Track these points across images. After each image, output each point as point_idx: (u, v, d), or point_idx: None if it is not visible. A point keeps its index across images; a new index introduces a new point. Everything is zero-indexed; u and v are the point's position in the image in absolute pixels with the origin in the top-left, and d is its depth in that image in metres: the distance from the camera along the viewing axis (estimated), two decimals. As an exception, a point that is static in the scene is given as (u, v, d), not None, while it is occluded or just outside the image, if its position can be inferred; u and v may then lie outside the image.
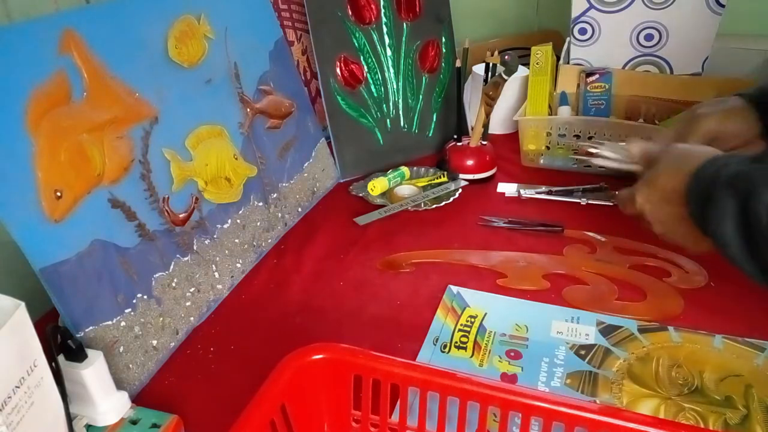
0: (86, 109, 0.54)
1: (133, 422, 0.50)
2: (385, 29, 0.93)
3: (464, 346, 0.60)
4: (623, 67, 0.96)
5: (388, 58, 0.94)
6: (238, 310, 0.67)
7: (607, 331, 0.61)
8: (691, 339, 0.59)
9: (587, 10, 0.94)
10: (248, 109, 0.75)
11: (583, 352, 0.58)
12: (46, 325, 0.48)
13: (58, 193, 0.51)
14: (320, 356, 0.46)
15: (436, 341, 0.60)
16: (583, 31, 0.95)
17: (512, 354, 0.59)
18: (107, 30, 0.57)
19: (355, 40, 0.91)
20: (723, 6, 0.88)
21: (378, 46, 0.93)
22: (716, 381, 0.54)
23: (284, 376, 0.45)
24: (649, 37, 0.93)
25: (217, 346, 0.62)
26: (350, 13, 0.90)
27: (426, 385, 0.44)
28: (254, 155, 0.75)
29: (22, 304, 0.41)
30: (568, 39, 0.97)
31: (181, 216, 0.64)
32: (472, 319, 0.63)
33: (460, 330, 0.62)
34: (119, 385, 0.52)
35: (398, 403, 0.46)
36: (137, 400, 0.55)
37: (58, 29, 0.53)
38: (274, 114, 0.79)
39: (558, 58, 0.99)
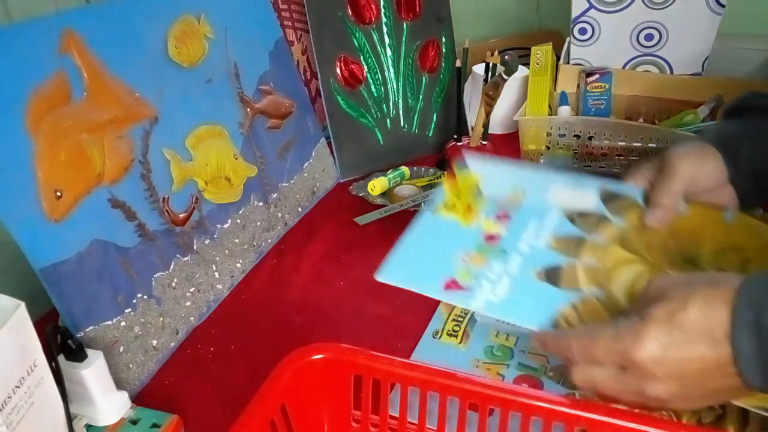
0: (86, 109, 0.54)
1: (133, 422, 0.50)
2: (385, 29, 0.93)
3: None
4: (623, 67, 0.96)
5: (388, 58, 0.94)
6: (238, 310, 0.67)
7: (609, 198, 0.57)
8: (700, 212, 0.56)
9: (587, 9, 0.94)
10: (248, 109, 0.75)
11: (577, 218, 0.55)
12: (46, 324, 0.48)
13: (58, 193, 0.51)
14: (320, 356, 0.46)
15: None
16: (583, 31, 0.95)
17: (501, 215, 0.56)
18: (107, 30, 0.57)
19: (355, 40, 0.91)
20: (723, 6, 0.88)
21: (378, 46, 0.93)
22: (715, 253, 0.53)
23: (284, 376, 0.45)
24: (649, 37, 0.93)
25: (217, 346, 0.62)
26: (350, 13, 0.90)
27: (426, 385, 0.44)
28: (254, 155, 0.75)
29: (22, 304, 0.41)
30: (568, 39, 0.97)
31: (181, 216, 0.64)
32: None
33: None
34: (119, 385, 0.52)
35: (398, 402, 0.46)
36: (137, 400, 0.55)
37: (58, 29, 0.53)
38: (274, 114, 0.79)
39: (558, 58, 0.99)
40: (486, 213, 0.56)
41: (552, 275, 0.50)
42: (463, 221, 0.56)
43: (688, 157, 0.56)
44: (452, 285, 0.50)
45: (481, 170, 0.61)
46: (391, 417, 0.47)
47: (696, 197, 0.57)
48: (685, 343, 0.38)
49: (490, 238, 0.54)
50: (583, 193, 0.57)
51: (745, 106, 0.63)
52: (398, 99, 0.96)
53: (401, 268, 0.51)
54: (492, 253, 0.52)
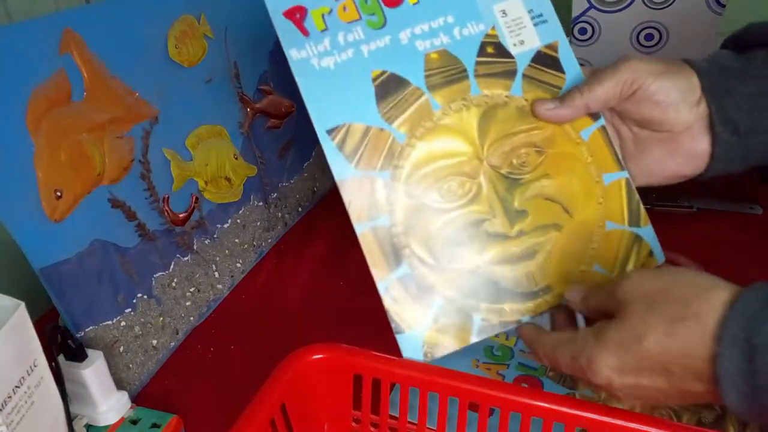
0: (86, 108, 0.54)
1: (133, 422, 0.50)
2: (385, 29, 0.93)
3: None
4: (623, 67, 0.96)
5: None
6: (238, 310, 0.67)
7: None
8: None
9: (587, 9, 0.93)
10: (248, 109, 0.75)
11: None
12: (46, 324, 0.48)
13: (58, 193, 0.51)
14: (320, 356, 0.46)
15: None
16: (583, 31, 0.95)
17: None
18: (107, 30, 0.57)
19: (355, 40, 0.91)
20: (723, 6, 0.88)
21: (378, 46, 0.93)
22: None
23: (284, 376, 0.45)
24: (649, 37, 0.93)
25: (217, 346, 0.62)
26: (350, 12, 0.90)
27: (426, 385, 0.44)
28: (254, 155, 0.75)
29: (22, 303, 0.41)
30: (568, 39, 0.97)
31: (181, 216, 0.64)
32: None
33: None
34: (119, 384, 0.52)
35: (399, 402, 0.46)
36: (137, 400, 0.55)
37: (57, 29, 0.53)
38: (274, 114, 0.79)
39: (558, 58, 0.99)
40: None
41: None
42: None
43: (643, 61, 0.43)
44: None
45: None
46: (391, 417, 0.47)
47: (644, 130, 0.46)
48: (641, 373, 0.36)
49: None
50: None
51: (749, 39, 0.48)
52: (398, 99, 0.96)
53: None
54: None
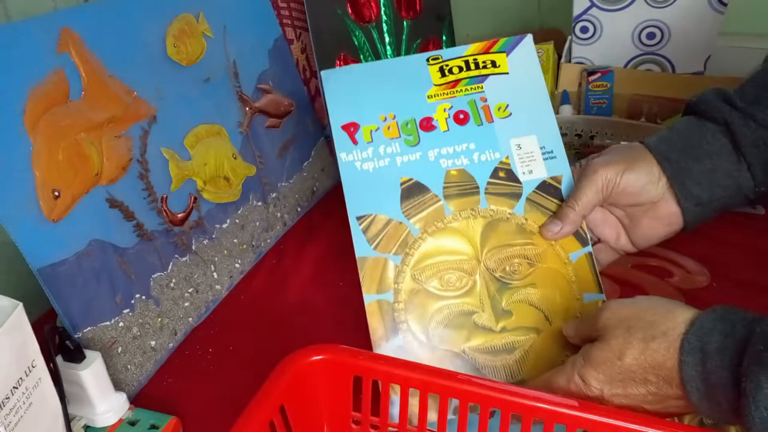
0: (84, 108, 0.54)
1: (132, 423, 0.50)
2: (385, 27, 0.93)
3: None
4: (625, 66, 0.95)
5: (388, 56, 0.94)
6: (237, 311, 0.67)
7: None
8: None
9: (589, 8, 0.93)
10: (247, 108, 0.74)
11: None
12: (44, 325, 0.48)
13: (56, 193, 0.51)
14: (320, 357, 0.46)
15: None
16: (584, 30, 0.95)
17: None
18: (105, 28, 0.57)
19: (354, 39, 0.91)
20: (725, 4, 0.88)
21: (378, 45, 0.93)
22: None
23: (284, 377, 0.44)
24: (650, 36, 0.93)
25: (216, 347, 0.62)
26: (350, 11, 0.90)
27: (426, 386, 0.44)
28: (253, 154, 0.75)
29: (20, 304, 0.41)
30: (569, 37, 0.97)
31: (179, 216, 0.64)
32: None
33: None
34: (117, 386, 0.52)
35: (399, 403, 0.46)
36: (136, 401, 0.55)
37: (56, 28, 0.53)
38: (273, 113, 0.79)
39: (559, 57, 0.99)
40: None
41: None
42: None
43: (610, 166, 0.53)
44: None
45: None
46: (391, 418, 0.46)
47: (629, 208, 0.54)
48: (626, 385, 0.42)
49: None
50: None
51: (705, 105, 0.54)
52: (398, 98, 0.96)
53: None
54: None
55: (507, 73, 0.58)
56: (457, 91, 0.58)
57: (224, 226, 0.70)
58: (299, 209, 0.83)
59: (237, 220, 0.71)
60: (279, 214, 0.79)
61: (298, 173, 0.83)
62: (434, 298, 0.52)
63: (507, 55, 0.58)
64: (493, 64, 0.58)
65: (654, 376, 0.41)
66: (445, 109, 0.57)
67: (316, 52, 0.88)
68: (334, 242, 0.78)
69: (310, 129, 0.86)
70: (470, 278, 0.53)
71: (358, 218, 0.54)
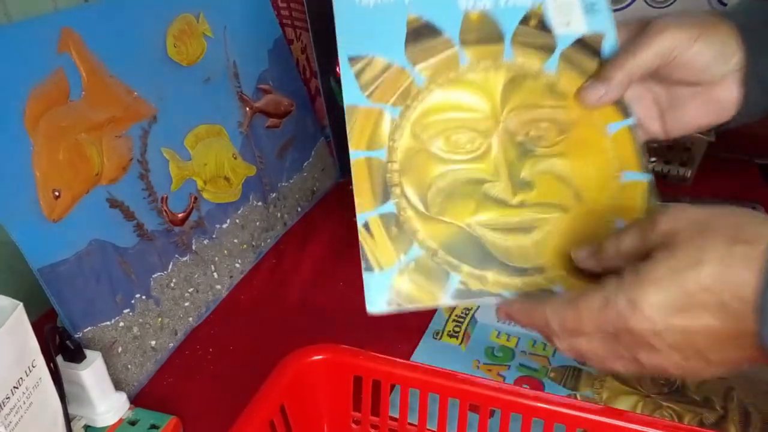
0: (85, 108, 0.54)
1: (132, 423, 0.50)
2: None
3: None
4: (624, 67, 0.95)
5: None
6: (238, 311, 0.67)
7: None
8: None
9: (588, 9, 0.93)
10: (247, 108, 0.74)
11: None
12: (44, 325, 0.48)
13: (57, 193, 0.51)
14: (320, 357, 0.46)
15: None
16: (583, 30, 0.95)
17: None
18: (106, 29, 0.57)
19: (354, 39, 0.90)
20: (725, 5, 0.88)
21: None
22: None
23: (284, 377, 0.44)
24: (649, 36, 0.93)
25: (216, 347, 0.62)
26: (350, 11, 0.90)
27: (427, 386, 0.44)
28: (253, 155, 0.75)
29: (21, 304, 0.41)
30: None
31: (179, 216, 0.64)
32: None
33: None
34: (118, 385, 0.52)
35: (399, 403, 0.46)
36: (136, 401, 0.55)
37: (56, 28, 0.53)
38: (273, 113, 0.79)
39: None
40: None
41: None
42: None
43: (675, 28, 0.42)
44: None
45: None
46: (391, 418, 0.46)
47: (678, 86, 0.45)
48: (691, 313, 0.32)
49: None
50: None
51: None
52: (398, 98, 0.95)
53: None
54: None
55: None
56: None
57: (224, 226, 0.70)
58: (299, 209, 0.83)
59: (237, 220, 0.71)
60: (279, 214, 0.79)
61: (298, 173, 0.83)
62: (437, 160, 0.44)
63: None
64: None
65: (736, 300, 0.31)
66: None
67: (316, 52, 0.88)
68: (334, 242, 0.78)
69: (310, 129, 0.86)
70: (485, 140, 0.44)
71: (351, 59, 0.45)
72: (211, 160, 0.68)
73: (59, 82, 0.52)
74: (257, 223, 0.75)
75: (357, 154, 0.44)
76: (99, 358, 0.49)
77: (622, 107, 0.45)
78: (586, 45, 0.46)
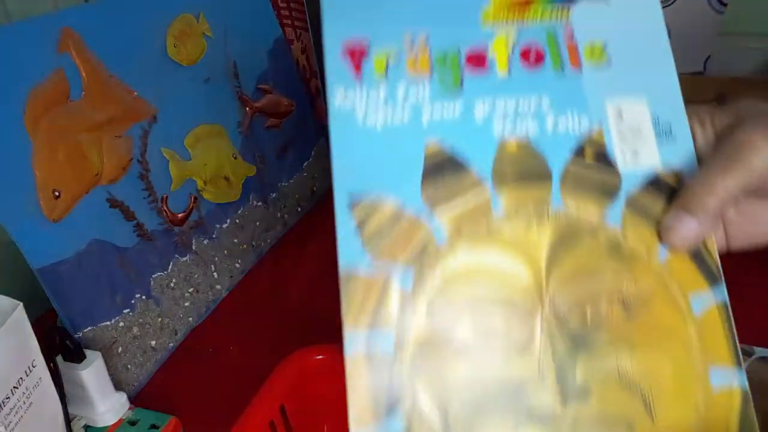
0: (85, 108, 0.54)
1: (132, 423, 0.50)
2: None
3: None
4: (624, 66, 0.95)
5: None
6: (237, 311, 0.67)
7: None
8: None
9: (588, 8, 0.93)
10: (247, 108, 0.74)
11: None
12: (44, 325, 0.48)
13: (57, 193, 0.51)
14: (320, 357, 0.46)
15: None
16: (583, 30, 0.95)
17: None
18: (105, 29, 0.57)
19: (354, 39, 0.90)
20: (725, 5, 0.88)
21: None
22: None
23: (284, 377, 0.44)
24: (650, 36, 0.93)
25: (216, 347, 0.62)
26: (350, 11, 0.90)
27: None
28: (253, 155, 0.75)
29: (20, 304, 0.41)
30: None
31: (179, 216, 0.64)
32: None
33: None
34: (118, 385, 0.52)
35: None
36: (136, 401, 0.55)
37: (56, 28, 0.53)
38: (273, 113, 0.79)
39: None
40: None
41: None
42: None
43: None
44: None
45: None
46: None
47: (749, 210, 0.35)
48: None
49: None
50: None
51: None
52: (398, 98, 0.95)
53: None
54: None
55: None
56: (529, 14, 0.35)
57: (224, 226, 0.70)
58: (299, 209, 0.83)
59: (237, 220, 0.71)
60: (279, 214, 0.79)
61: (298, 173, 0.83)
62: (463, 357, 0.31)
63: None
64: None
65: None
66: (507, 41, 0.34)
67: (316, 52, 0.88)
68: (334, 242, 0.77)
69: (310, 129, 0.86)
70: (525, 326, 0.31)
71: (352, 205, 0.35)
72: (211, 160, 0.68)
73: (59, 82, 0.52)
74: (257, 223, 0.75)
75: (353, 340, 0.31)
76: (99, 358, 0.49)
77: (706, 269, 0.32)
78: (661, 186, 0.33)
